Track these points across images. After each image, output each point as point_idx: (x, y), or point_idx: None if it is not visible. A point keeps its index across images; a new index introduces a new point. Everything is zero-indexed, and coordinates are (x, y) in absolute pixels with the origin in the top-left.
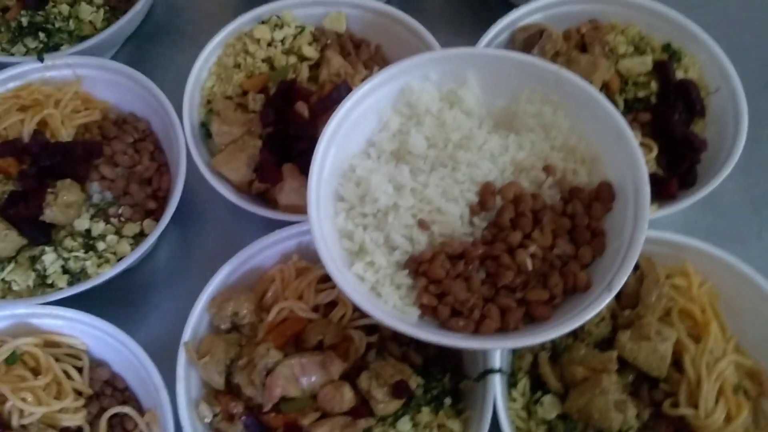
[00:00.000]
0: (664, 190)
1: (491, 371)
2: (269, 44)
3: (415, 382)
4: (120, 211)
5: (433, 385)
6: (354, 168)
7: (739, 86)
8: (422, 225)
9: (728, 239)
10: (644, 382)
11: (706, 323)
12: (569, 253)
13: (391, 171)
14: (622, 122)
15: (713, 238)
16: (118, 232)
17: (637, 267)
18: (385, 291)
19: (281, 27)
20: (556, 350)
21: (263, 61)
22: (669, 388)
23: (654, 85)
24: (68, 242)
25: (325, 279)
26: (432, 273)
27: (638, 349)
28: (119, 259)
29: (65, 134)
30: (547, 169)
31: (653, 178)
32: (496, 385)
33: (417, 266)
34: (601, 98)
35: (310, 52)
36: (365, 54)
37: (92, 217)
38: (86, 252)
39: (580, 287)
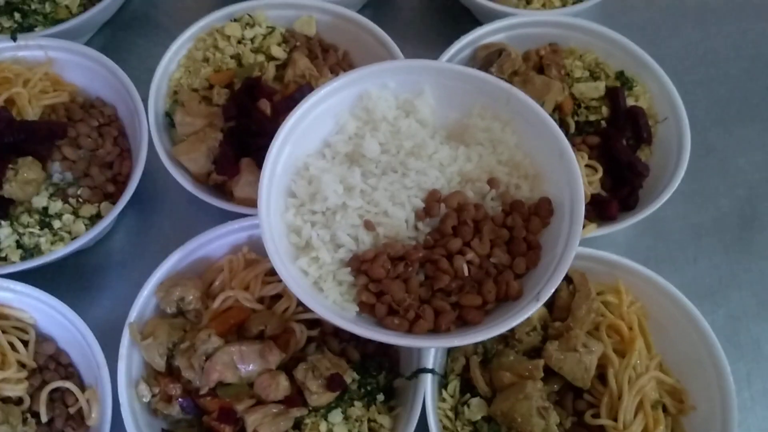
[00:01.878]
0: (605, 210)
1: (424, 371)
2: (239, 42)
3: (350, 377)
4: (79, 192)
5: (368, 381)
6: (308, 166)
7: (685, 118)
8: (368, 226)
9: (665, 262)
10: (569, 391)
11: (632, 340)
12: (505, 262)
13: (343, 172)
14: (565, 143)
15: (651, 260)
16: (75, 212)
17: (570, 281)
18: (327, 286)
19: (252, 26)
20: (488, 355)
21: (232, 57)
22: (592, 399)
23: (605, 110)
24: (24, 218)
25: (273, 272)
26: (373, 272)
27: (564, 360)
28: (74, 239)
29: (32, 113)
30: (492, 182)
31: (596, 198)
32: (428, 384)
33: (359, 264)
34: (547, 118)
35: (279, 52)
36: (332, 59)
37: (51, 196)
38: (41, 229)
39: (512, 295)
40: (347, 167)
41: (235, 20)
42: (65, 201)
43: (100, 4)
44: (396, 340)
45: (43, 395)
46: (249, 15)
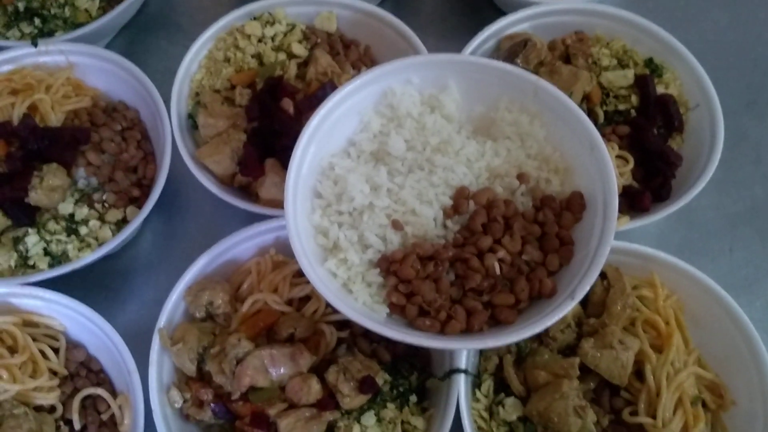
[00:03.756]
0: (638, 202)
1: (457, 371)
2: (260, 40)
3: (382, 378)
4: (104, 197)
5: (399, 382)
6: (333, 166)
7: (717, 104)
8: (396, 225)
9: (700, 254)
10: (606, 389)
11: (669, 335)
12: (537, 259)
13: (369, 171)
14: (596, 134)
15: (685, 252)
16: (101, 218)
17: (604, 276)
18: (356, 288)
19: (272, 24)
20: (521, 354)
21: (253, 56)
22: (630, 397)
23: (634, 99)
24: (51, 225)
25: (301, 273)
26: (402, 272)
27: (600, 357)
28: (101, 244)
29: (54, 119)
30: (521, 177)
31: (628, 190)
32: (461, 384)
33: (388, 265)
34: (577, 110)
35: (300, 50)
36: (354, 54)
37: (76, 202)
38: (68, 236)
39: (546, 293)
40: (373, 166)
41: (255, 18)
42: (91, 206)
43: (119, 7)
44: (428, 341)
45: (76, 403)
46: (269, 13)
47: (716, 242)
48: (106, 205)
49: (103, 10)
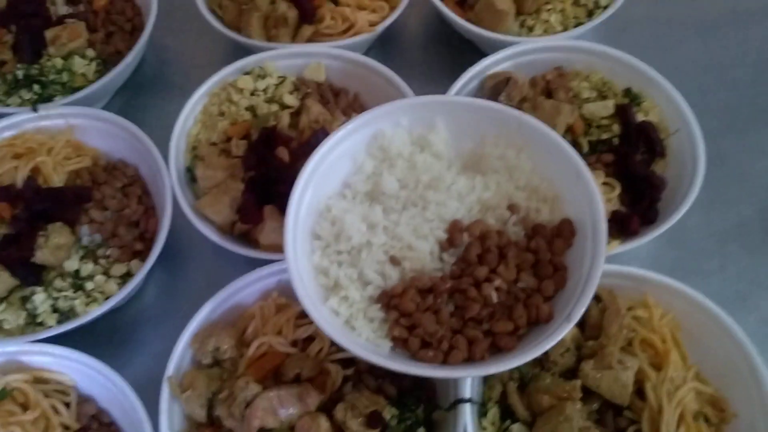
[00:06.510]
0: (626, 226)
1: (462, 401)
2: (252, 93)
3: (389, 412)
4: (108, 252)
5: (407, 416)
6: (330, 208)
7: (696, 128)
8: (394, 261)
9: (692, 273)
10: (609, 409)
11: (667, 352)
12: (532, 286)
13: (364, 210)
14: (580, 163)
15: (678, 272)
16: (106, 273)
17: (599, 299)
18: (359, 324)
19: (263, 77)
20: (524, 380)
21: (246, 109)
22: (633, 416)
23: (616, 128)
24: (58, 282)
25: (304, 315)
26: (403, 306)
27: (601, 378)
28: (107, 298)
29: (57, 180)
30: (512, 208)
31: (617, 215)
32: (467, 414)
33: (389, 300)
34: (560, 141)
35: (291, 100)
36: (344, 102)
37: (81, 258)
38: (75, 291)
39: (543, 318)
40: (368, 205)
41: (247, 73)
42: (96, 262)
43: (114, 70)
44: (432, 372)
45: None
46: (260, 67)
47: (707, 260)
48: (111, 259)
49: (100, 72)
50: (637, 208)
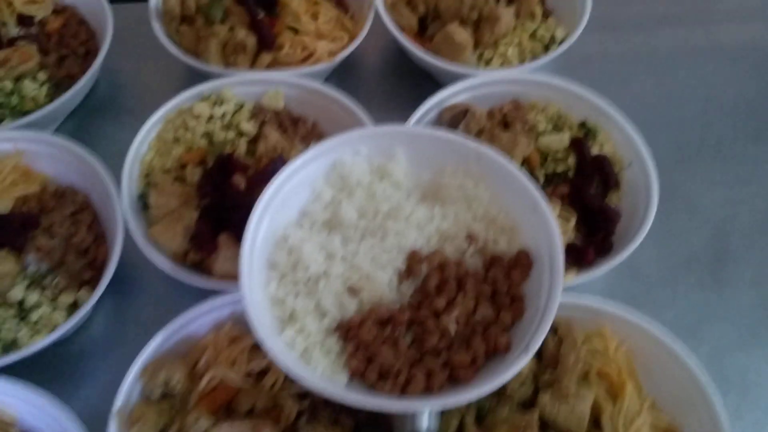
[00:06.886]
0: (582, 258)
1: None
2: (209, 119)
3: None
4: (56, 281)
5: None
6: (287, 237)
7: (649, 161)
8: (352, 291)
9: (646, 304)
10: None
11: (622, 384)
12: (490, 317)
13: (322, 240)
14: (537, 195)
15: (632, 302)
16: (53, 302)
17: (556, 330)
18: (315, 356)
19: (221, 104)
20: (481, 412)
21: (203, 135)
22: None
23: (571, 160)
24: (1, 312)
25: (258, 347)
26: (361, 337)
27: (558, 409)
28: (53, 329)
29: (3, 206)
30: (470, 238)
31: (572, 246)
32: None
33: (346, 331)
34: (517, 173)
35: (249, 127)
36: (302, 130)
37: (27, 287)
38: (19, 322)
39: (501, 349)
40: (326, 235)
41: (204, 99)
42: (42, 291)
43: (66, 94)
44: (389, 405)
45: None
46: (217, 93)
47: (660, 291)
48: (58, 288)
49: (51, 97)
50: (592, 239)
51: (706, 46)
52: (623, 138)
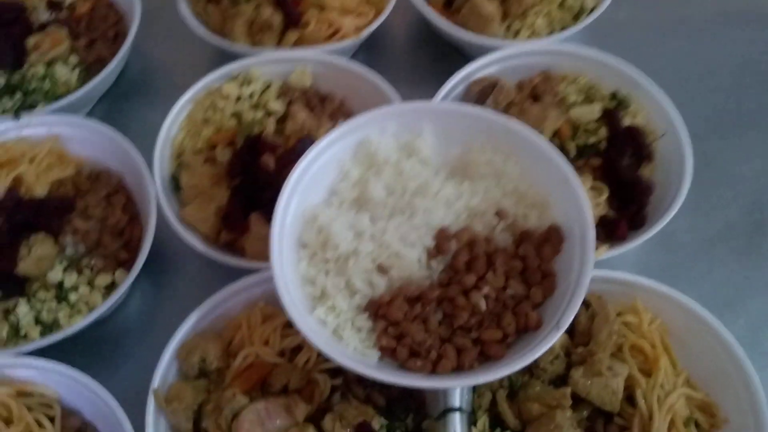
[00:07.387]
0: (614, 231)
1: (451, 410)
2: (237, 99)
3: (378, 422)
4: (93, 262)
5: (396, 425)
6: (316, 216)
7: (683, 131)
8: (381, 269)
9: (680, 277)
10: (599, 416)
11: (656, 358)
12: (521, 293)
13: (351, 218)
14: (568, 170)
15: (666, 276)
16: (90, 283)
17: (588, 305)
18: (347, 334)
19: (249, 83)
20: (514, 388)
21: (232, 115)
22: (623, 422)
23: (603, 132)
24: (41, 294)
25: (291, 324)
26: (391, 315)
27: (591, 385)
28: (91, 310)
29: (40, 189)
30: (500, 214)
31: (604, 220)
32: (457, 423)
33: (376, 309)
34: (548, 147)
35: (277, 106)
36: (330, 107)
37: (65, 269)
38: (59, 303)
39: (532, 326)
40: (355, 213)
41: (232, 79)
42: (80, 272)
43: (97, 78)
44: (420, 382)
45: None
46: (245, 73)
47: (695, 264)
48: (95, 269)
49: (83, 80)
50: (625, 212)
51: (741, 11)
52: (656, 108)
